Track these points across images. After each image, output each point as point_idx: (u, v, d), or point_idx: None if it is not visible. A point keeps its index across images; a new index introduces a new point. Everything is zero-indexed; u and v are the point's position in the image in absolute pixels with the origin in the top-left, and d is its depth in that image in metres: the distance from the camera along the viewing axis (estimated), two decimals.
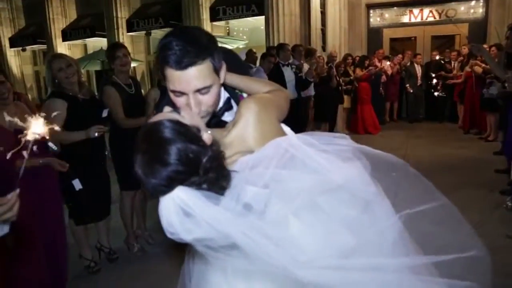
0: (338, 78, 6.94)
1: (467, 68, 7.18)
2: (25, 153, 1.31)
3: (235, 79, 1.22)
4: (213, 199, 0.90)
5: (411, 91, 8.81)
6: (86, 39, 12.67)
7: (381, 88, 8.46)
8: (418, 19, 10.08)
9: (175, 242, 0.95)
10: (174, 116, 0.95)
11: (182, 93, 1.02)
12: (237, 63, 1.32)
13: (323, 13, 8.13)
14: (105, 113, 2.80)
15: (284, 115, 1.20)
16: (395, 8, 10.21)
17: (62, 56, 2.81)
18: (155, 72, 5.30)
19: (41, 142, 2.46)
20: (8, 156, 1.20)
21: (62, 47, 12.68)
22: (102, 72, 11.55)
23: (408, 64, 8.94)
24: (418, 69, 8.86)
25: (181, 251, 1.29)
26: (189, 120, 0.96)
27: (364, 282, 0.97)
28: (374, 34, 10.46)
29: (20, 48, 13.92)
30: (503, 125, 4.50)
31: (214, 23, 10.12)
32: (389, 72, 8.62)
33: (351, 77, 7.60)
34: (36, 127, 1.44)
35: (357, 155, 1.08)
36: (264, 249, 0.91)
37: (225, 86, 1.23)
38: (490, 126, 6.50)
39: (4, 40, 13.98)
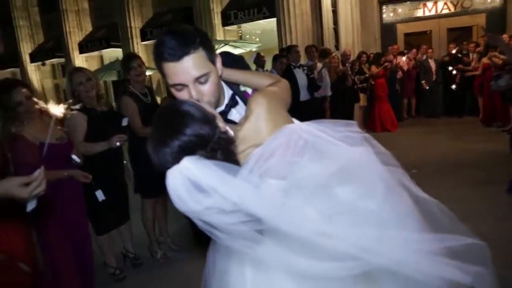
0: (353, 77, 6.89)
1: (485, 60, 7.00)
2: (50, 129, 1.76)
3: (236, 74, 1.26)
4: (225, 169, 0.92)
5: (427, 87, 8.66)
6: (102, 50, 12.95)
7: (397, 85, 8.34)
8: (433, 12, 9.88)
9: (197, 246, 0.95)
10: (195, 101, 1.02)
11: (183, 85, 1.06)
12: (233, 60, 1.35)
13: (335, 12, 8.08)
14: (124, 122, 2.88)
15: (289, 104, 1.24)
16: (408, 2, 10.04)
17: (82, 70, 2.90)
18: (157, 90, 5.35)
19: (66, 155, 2.54)
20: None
21: (79, 60, 13.01)
22: (118, 82, 11.79)
23: (424, 58, 8.78)
24: (432, 64, 8.70)
25: (204, 255, 1.30)
26: (207, 107, 1.02)
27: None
28: (388, 30, 10.31)
29: (40, 62, 14.34)
30: None
31: (226, 27, 10.19)
32: (405, 68, 8.49)
33: (366, 75, 7.52)
34: (55, 109, 1.72)
35: (368, 142, 1.09)
36: (285, 216, 0.92)
37: (229, 83, 1.27)
38: None
39: (25, 56, 14.43)
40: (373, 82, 7.66)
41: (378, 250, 0.93)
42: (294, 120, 1.19)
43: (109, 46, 12.39)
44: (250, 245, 0.95)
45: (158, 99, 5.15)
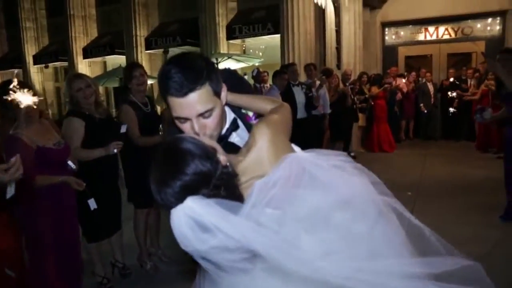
0: (352, 97, 6.95)
1: (483, 86, 7.09)
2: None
3: (238, 99, 1.26)
4: (227, 208, 0.92)
5: (425, 111, 8.75)
6: (106, 57, 13.04)
7: (395, 106, 8.42)
8: (434, 37, 10.06)
9: (188, 259, 0.96)
10: (194, 136, 1.01)
11: (186, 119, 1.07)
12: (237, 83, 1.35)
13: (338, 32, 8.19)
14: (123, 129, 2.88)
15: (290, 129, 1.24)
16: (410, 26, 10.22)
17: (81, 76, 2.90)
18: (158, 101, 5.35)
19: (61, 161, 2.54)
20: None
21: (82, 64, 13.09)
22: (120, 89, 11.84)
23: (423, 82, 8.89)
24: (431, 87, 8.81)
25: (193, 270, 1.30)
26: (207, 141, 1.01)
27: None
28: (390, 52, 10.46)
29: (43, 65, 14.41)
30: None
31: (231, 41, 10.30)
32: (405, 90, 8.58)
33: (366, 95, 7.59)
34: (24, 99, 1.75)
35: (361, 171, 1.11)
36: (287, 253, 0.92)
37: (231, 106, 1.27)
38: None
39: (29, 58, 14.51)
40: (372, 103, 7.72)
41: (372, 282, 0.94)
42: (294, 146, 1.20)
43: (113, 53, 12.48)
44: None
45: (158, 109, 5.17)
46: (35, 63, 14.50)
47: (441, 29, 9.93)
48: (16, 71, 14.64)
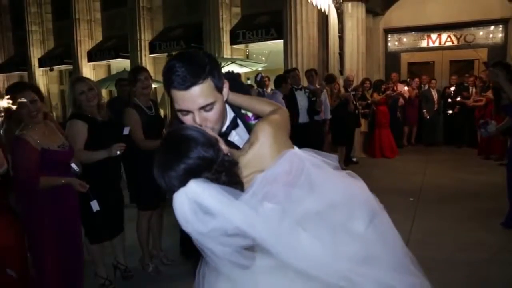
0: (355, 102, 6.98)
1: (489, 94, 7.10)
2: None
3: (239, 99, 1.31)
4: (228, 192, 0.97)
5: (428, 117, 8.78)
6: (110, 60, 13.13)
7: (398, 112, 8.44)
8: (436, 44, 10.09)
9: (189, 262, 0.99)
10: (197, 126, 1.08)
11: (188, 111, 1.12)
12: (237, 86, 1.39)
13: (341, 38, 8.23)
14: (126, 131, 2.91)
15: (289, 131, 1.29)
16: (413, 32, 10.25)
17: (84, 79, 2.94)
18: (162, 104, 5.38)
19: (65, 164, 2.57)
20: None
21: (87, 68, 13.18)
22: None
23: (426, 88, 8.93)
24: (435, 94, 8.84)
25: (195, 272, 1.32)
26: (210, 132, 1.07)
27: None
28: (392, 59, 10.50)
29: (48, 68, 14.53)
30: None
31: (234, 46, 10.37)
32: (406, 95, 8.61)
33: (368, 101, 7.62)
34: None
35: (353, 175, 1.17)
36: (282, 240, 0.97)
37: (231, 106, 1.31)
38: None
39: (34, 61, 14.64)
40: (375, 109, 7.75)
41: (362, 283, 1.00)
42: (295, 147, 1.24)
43: (117, 56, 12.57)
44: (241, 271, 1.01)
45: (162, 112, 5.21)
46: (40, 66, 14.62)
47: (444, 36, 9.96)
48: None
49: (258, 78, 6.73)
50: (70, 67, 13.86)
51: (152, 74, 3.53)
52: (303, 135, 5.03)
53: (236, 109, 1.33)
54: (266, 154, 1.11)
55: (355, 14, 8.48)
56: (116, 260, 3.16)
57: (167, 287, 3.04)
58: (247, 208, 0.96)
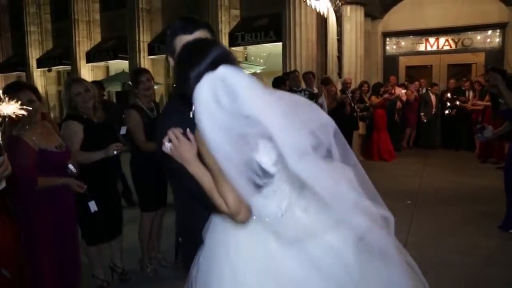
0: (353, 105, 6.99)
1: (488, 97, 7.14)
2: None
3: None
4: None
5: (425, 120, 8.81)
6: (109, 61, 13.14)
7: (396, 115, 8.46)
8: (434, 48, 10.14)
9: (186, 264, 0.99)
10: None
11: None
12: None
13: (340, 41, 8.26)
14: (123, 131, 2.90)
15: None
16: (411, 36, 10.31)
17: (80, 80, 2.93)
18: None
19: (62, 165, 2.56)
20: None
21: (85, 68, 13.18)
22: (122, 93, 11.90)
23: (424, 91, 8.97)
24: (433, 98, 8.87)
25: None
26: None
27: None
28: (390, 62, 10.54)
29: (46, 68, 14.51)
30: None
31: (233, 48, 10.39)
32: (404, 98, 8.63)
33: (367, 104, 7.64)
34: (6, 109, 1.79)
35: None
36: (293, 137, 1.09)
37: None
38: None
39: (32, 61, 14.62)
40: (373, 111, 7.77)
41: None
42: None
43: (116, 57, 12.58)
44: (251, 190, 1.10)
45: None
46: (38, 66, 14.61)
47: (442, 40, 10.01)
48: None
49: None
50: (68, 68, 13.86)
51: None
52: None
53: None
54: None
55: (354, 18, 8.52)
56: (112, 262, 3.14)
57: None
58: (267, 101, 1.08)
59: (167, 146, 1.23)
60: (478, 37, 9.72)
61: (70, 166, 2.54)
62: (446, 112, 8.53)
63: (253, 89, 1.07)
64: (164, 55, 11.78)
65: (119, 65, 12.63)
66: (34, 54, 14.65)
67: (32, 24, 14.52)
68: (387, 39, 10.60)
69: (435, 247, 3.52)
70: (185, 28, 1.34)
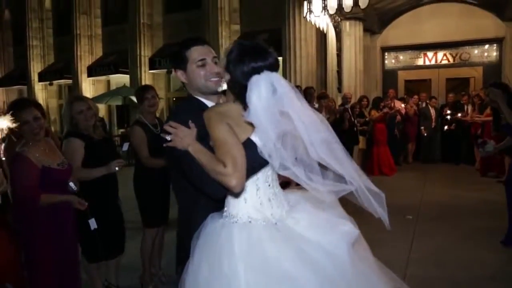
0: (353, 119, 7.02)
1: (488, 111, 7.17)
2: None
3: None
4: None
5: (425, 134, 8.84)
6: (110, 75, 13.22)
7: (396, 129, 8.49)
8: (433, 62, 10.25)
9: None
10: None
11: (205, 60, 1.62)
12: None
13: (339, 56, 8.36)
14: (125, 147, 2.91)
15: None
16: (409, 51, 10.43)
17: (83, 98, 2.97)
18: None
19: (63, 182, 2.56)
20: None
21: (86, 83, 13.27)
22: (123, 107, 11.96)
23: (423, 105, 9.02)
24: (433, 112, 8.92)
25: None
26: None
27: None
28: (389, 76, 10.64)
29: (48, 82, 14.60)
30: None
31: None
32: (403, 112, 8.67)
33: (366, 118, 7.67)
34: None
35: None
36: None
37: None
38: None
39: (34, 75, 14.72)
40: (373, 126, 7.80)
41: None
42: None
43: (117, 72, 12.66)
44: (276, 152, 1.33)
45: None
46: (40, 80, 14.70)
47: (440, 54, 10.13)
48: None
49: None
50: (69, 82, 13.95)
51: None
52: None
53: None
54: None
55: (353, 33, 8.64)
56: (107, 280, 3.06)
57: None
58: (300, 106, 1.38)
59: (168, 138, 1.44)
60: (476, 52, 9.84)
61: (71, 184, 2.54)
62: (446, 127, 8.57)
63: (293, 94, 1.38)
64: (165, 70, 11.93)
65: (120, 79, 12.71)
66: (35, 68, 14.77)
67: (34, 38, 14.68)
68: (386, 54, 10.72)
69: (438, 263, 3.49)
70: (197, 41, 1.64)
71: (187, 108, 1.66)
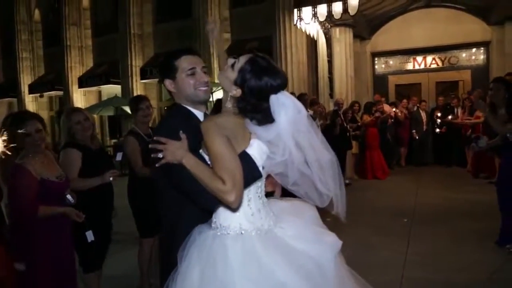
0: (345, 124, 7.07)
1: (478, 113, 7.28)
2: None
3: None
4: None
5: (417, 137, 8.94)
6: (101, 86, 13.18)
7: (388, 133, 8.57)
8: (422, 66, 10.42)
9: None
10: None
11: (195, 69, 1.63)
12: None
13: (330, 62, 8.46)
14: (119, 157, 2.92)
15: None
16: (399, 56, 10.59)
17: (80, 110, 3.01)
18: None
19: (61, 194, 2.55)
20: None
21: (77, 94, 13.20)
22: (115, 117, 11.90)
23: (415, 109, 9.13)
24: (424, 115, 9.03)
25: None
26: None
27: None
28: (380, 81, 10.78)
29: (38, 94, 14.50)
30: None
31: None
32: (392, 114, 8.76)
33: (358, 123, 7.74)
34: None
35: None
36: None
37: None
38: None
39: (24, 87, 14.62)
40: (365, 130, 7.86)
41: None
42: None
43: (108, 82, 12.62)
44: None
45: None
46: (30, 92, 14.59)
47: (429, 58, 10.30)
48: None
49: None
50: (60, 93, 13.86)
51: None
52: None
53: None
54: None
55: (343, 39, 8.75)
56: None
57: None
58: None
59: (160, 155, 1.38)
60: (464, 55, 10.02)
61: (68, 196, 2.55)
62: (437, 130, 8.69)
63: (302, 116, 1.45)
64: (157, 79, 11.92)
65: (112, 89, 12.67)
66: (26, 80, 14.67)
67: (24, 50, 14.62)
68: (376, 59, 10.86)
69: (435, 266, 3.52)
70: (187, 51, 1.67)
71: (176, 117, 1.65)
